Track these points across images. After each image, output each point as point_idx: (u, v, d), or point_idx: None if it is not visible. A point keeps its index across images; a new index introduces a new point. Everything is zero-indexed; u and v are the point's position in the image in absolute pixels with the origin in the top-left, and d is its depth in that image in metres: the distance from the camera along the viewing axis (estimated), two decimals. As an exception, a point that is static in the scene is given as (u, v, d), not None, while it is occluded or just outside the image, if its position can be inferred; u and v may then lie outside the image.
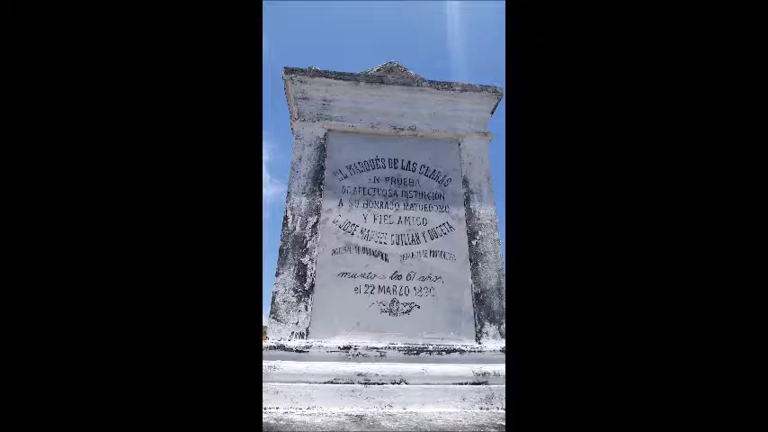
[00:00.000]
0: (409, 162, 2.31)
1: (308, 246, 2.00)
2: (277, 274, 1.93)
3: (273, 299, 1.88)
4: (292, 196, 2.11)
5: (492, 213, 2.24)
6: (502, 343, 1.91)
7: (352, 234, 2.07)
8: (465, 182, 2.30)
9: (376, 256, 2.03)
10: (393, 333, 1.88)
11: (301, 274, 1.93)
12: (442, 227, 2.16)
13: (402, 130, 2.37)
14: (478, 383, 1.73)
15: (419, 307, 1.95)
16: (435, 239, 2.12)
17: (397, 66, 2.60)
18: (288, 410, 1.55)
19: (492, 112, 2.54)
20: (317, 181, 2.16)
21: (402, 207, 2.18)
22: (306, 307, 1.87)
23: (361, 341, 1.83)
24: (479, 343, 1.91)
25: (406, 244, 2.08)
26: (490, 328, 1.95)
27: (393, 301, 1.95)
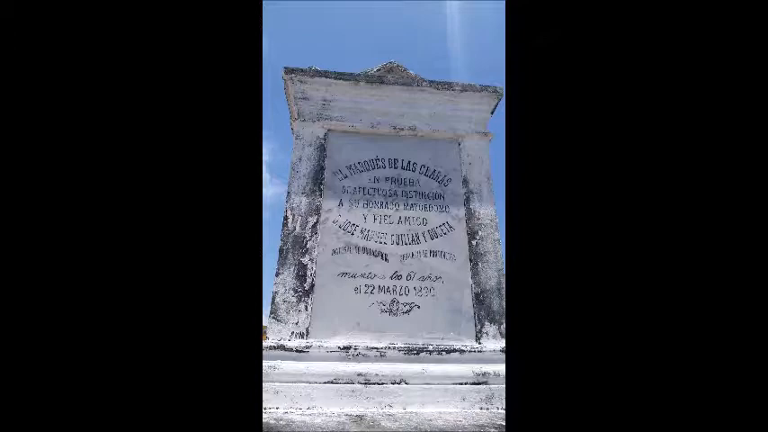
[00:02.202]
0: (409, 162, 2.31)
1: (308, 246, 2.00)
2: (277, 274, 1.93)
3: (273, 299, 1.88)
4: (292, 196, 2.11)
5: (492, 213, 2.24)
6: (502, 343, 1.91)
7: (352, 234, 2.07)
8: (465, 182, 2.30)
9: (376, 256, 2.03)
10: (393, 333, 1.88)
11: (301, 274, 1.93)
12: (442, 227, 2.16)
13: (402, 130, 2.37)
14: (478, 383, 1.73)
15: (419, 307, 1.95)
16: (435, 239, 2.12)
17: (397, 66, 2.60)
18: (288, 410, 1.55)
19: (492, 112, 2.54)
20: (317, 181, 2.16)
21: (402, 207, 2.17)
22: (306, 307, 1.87)
23: (361, 341, 1.83)
24: (479, 343, 1.91)
25: (406, 244, 2.08)
26: (490, 328, 1.95)
27: (393, 301, 1.95)
